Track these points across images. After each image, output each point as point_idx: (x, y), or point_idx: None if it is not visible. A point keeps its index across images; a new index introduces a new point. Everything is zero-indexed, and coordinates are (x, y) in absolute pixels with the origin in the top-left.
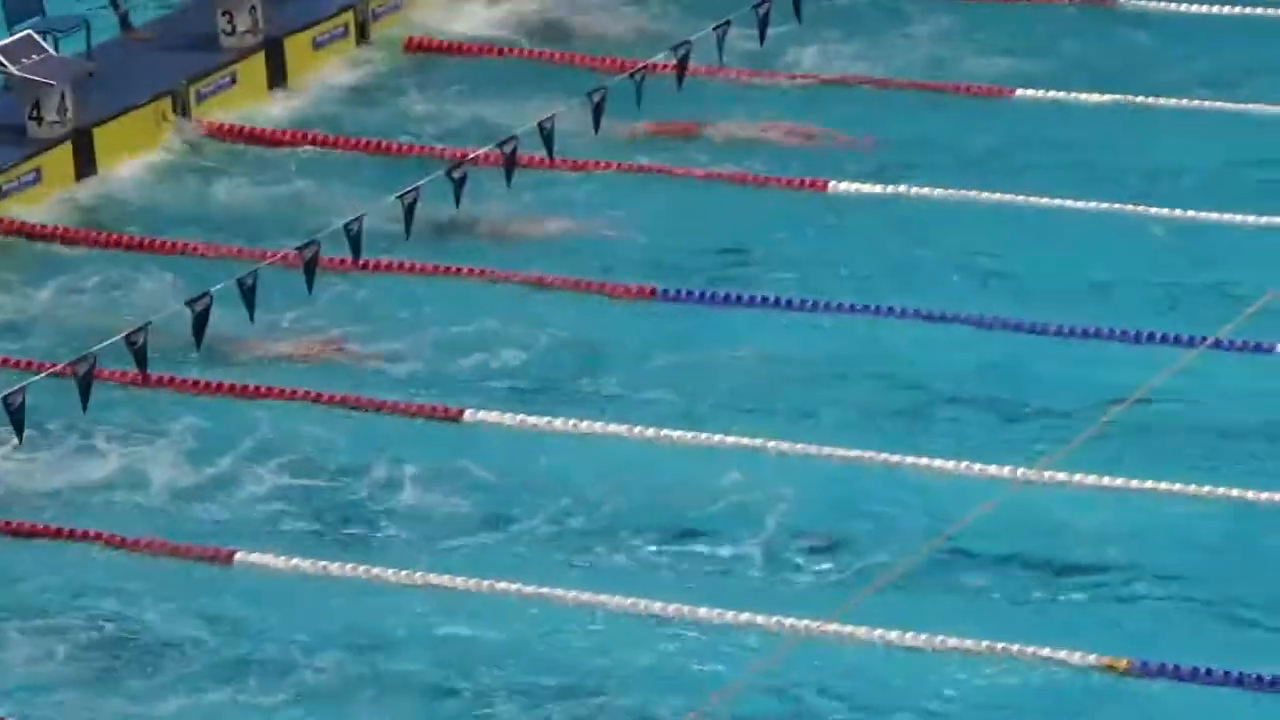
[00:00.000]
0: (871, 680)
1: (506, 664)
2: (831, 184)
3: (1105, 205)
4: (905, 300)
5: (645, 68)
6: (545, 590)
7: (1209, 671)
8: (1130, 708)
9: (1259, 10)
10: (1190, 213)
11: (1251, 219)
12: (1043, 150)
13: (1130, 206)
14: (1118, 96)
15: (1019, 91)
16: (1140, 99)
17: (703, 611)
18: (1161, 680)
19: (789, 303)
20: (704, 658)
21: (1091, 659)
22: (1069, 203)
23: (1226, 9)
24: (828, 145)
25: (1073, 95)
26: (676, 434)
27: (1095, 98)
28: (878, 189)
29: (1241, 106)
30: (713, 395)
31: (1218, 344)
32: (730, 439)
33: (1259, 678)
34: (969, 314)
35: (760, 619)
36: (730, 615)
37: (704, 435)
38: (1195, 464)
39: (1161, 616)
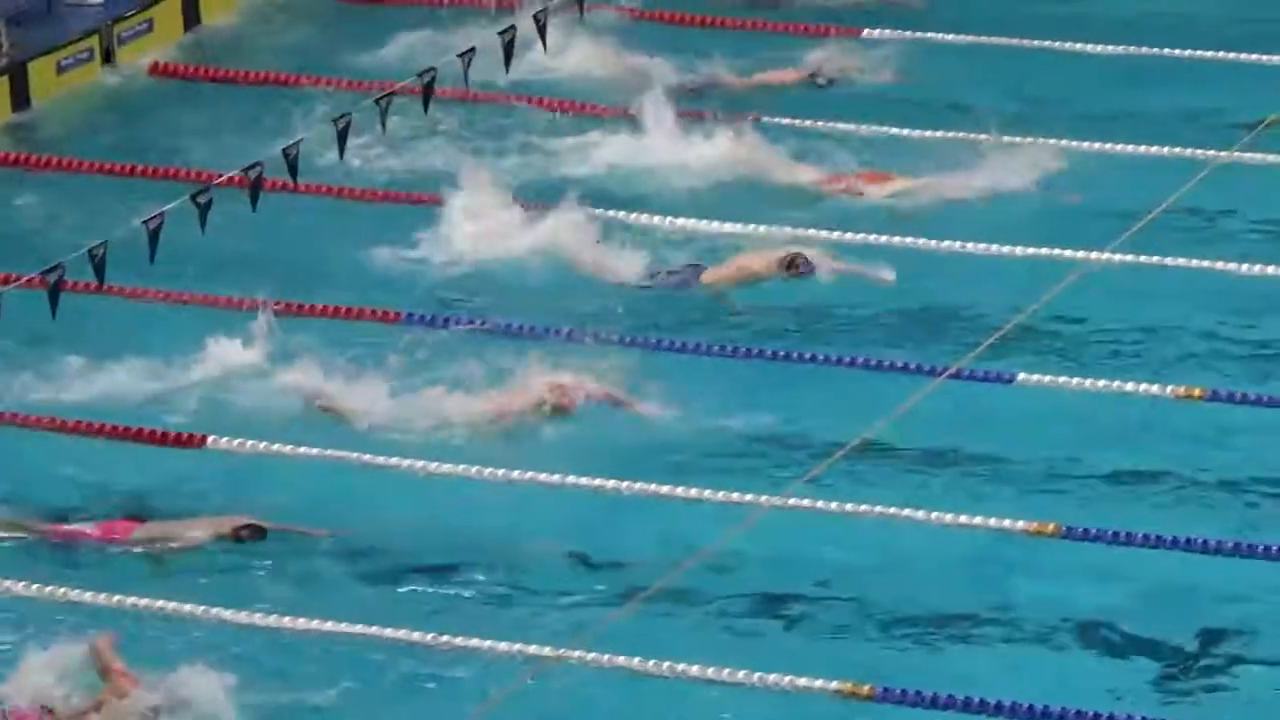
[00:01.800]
0: (614, 708)
1: None
2: None
3: None
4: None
5: (390, 93)
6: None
7: (950, 698)
8: None
9: None
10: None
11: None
12: None
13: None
14: None
15: None
16: None
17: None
18: (904, 707)
19: None
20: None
21: (834, 685)
22: None
23: None
24: None
25: None
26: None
27: None
28: None
29: None
30: None
31: (958, 374)
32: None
33: (998, 704)
34: None
35: (503, 645)
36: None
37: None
38: (940, 490)
39: (901, 642)
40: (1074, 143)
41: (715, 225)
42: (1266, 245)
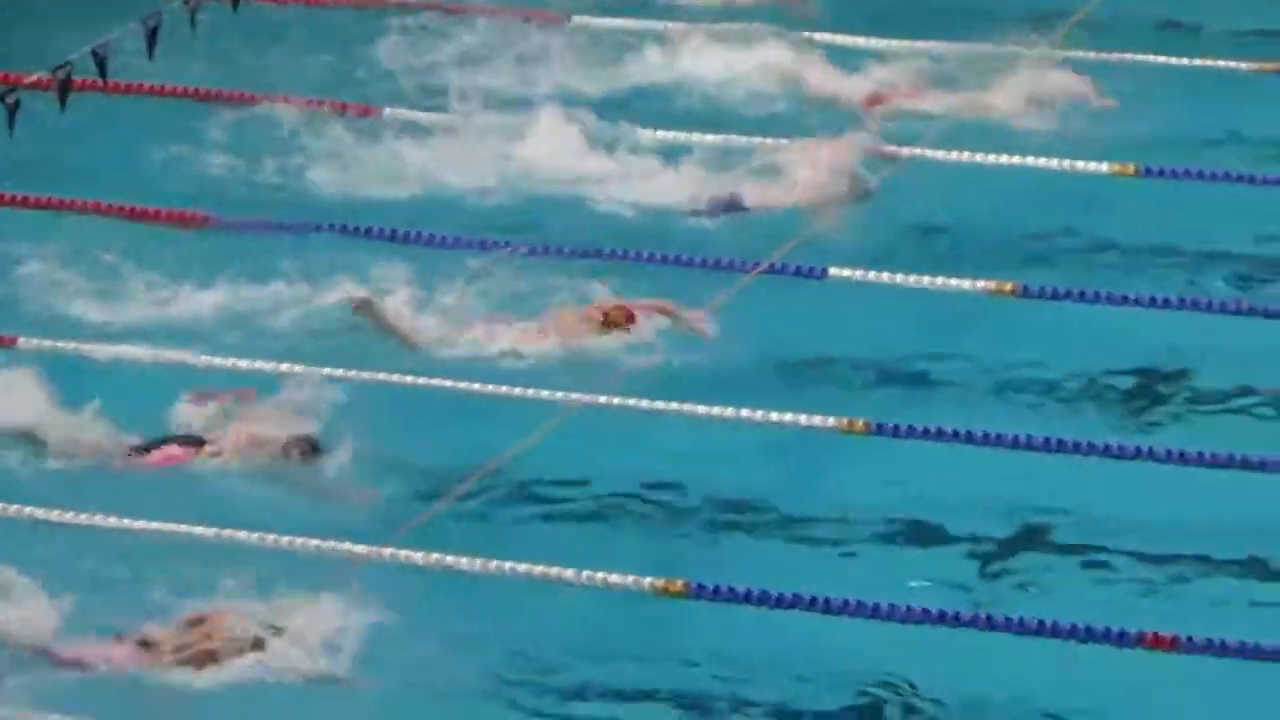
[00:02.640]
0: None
1: None
2: None
3: None
4: None
5: None
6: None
7: (764, 592)
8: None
9: None
10: None
11: None
12: None
13: None
14: None
15: None
16: None
17: None
18: (718, 602)
19: None
20: None
21: (646, 582)
22: None
23: None
24: None
25: None
26: None
27: None
28: None
29: None
30: None
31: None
32: None
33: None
34: None
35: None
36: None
37: None
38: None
39: (716, 537)
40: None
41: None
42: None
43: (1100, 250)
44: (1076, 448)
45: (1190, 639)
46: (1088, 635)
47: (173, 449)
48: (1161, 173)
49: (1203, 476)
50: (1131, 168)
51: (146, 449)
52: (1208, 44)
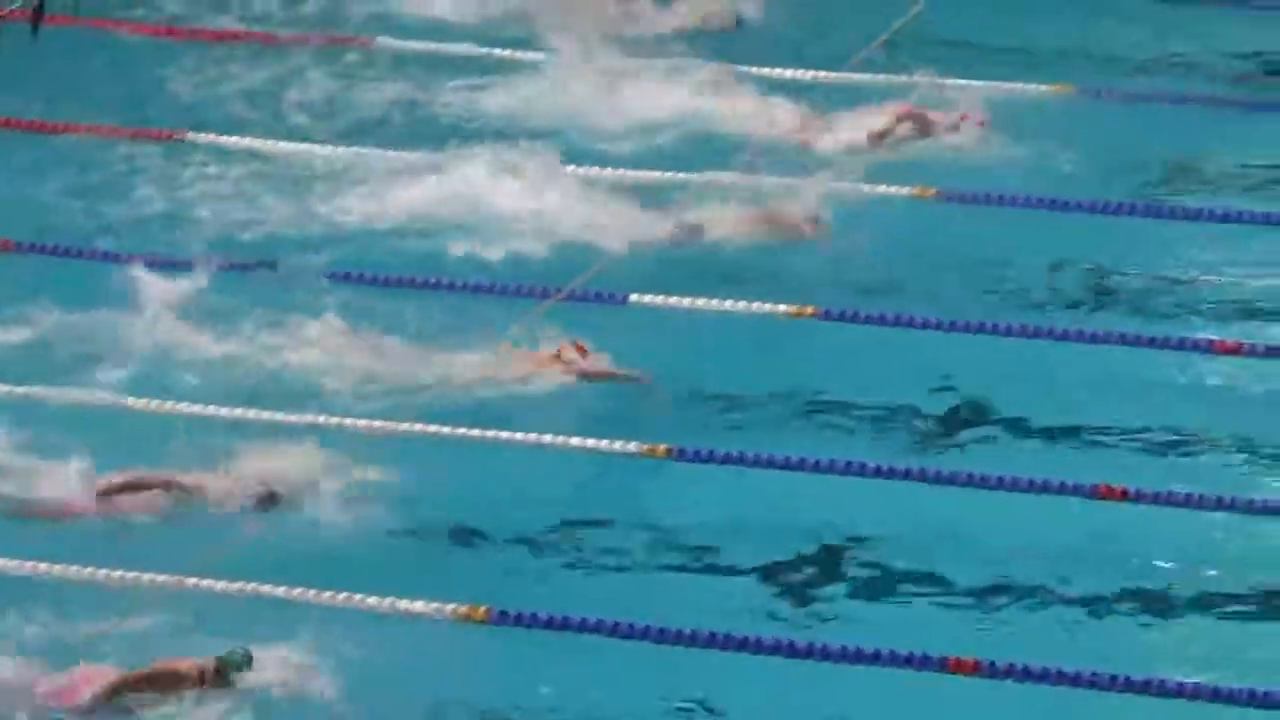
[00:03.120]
0: None
1: None
2: None
3: None
4: None
5: None
6: None
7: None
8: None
9: None
10: None
11: None
12: None
13: None
14: None
15: None
16: None
17: None
18: (520, 626)
19: None
20: None
21: (449, 608)
22: None
23: None
24: None
25: None
26: None
27: None
28: None
29: None
30: None
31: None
32: None
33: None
34: None
35: None
36: None
37: None
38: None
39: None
40: None
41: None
42: None
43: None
44: (879, 471)
45: (993, 663)
46: (891, 660)
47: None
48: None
49: (1005, 500)
50: (933, 190)
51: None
52: None
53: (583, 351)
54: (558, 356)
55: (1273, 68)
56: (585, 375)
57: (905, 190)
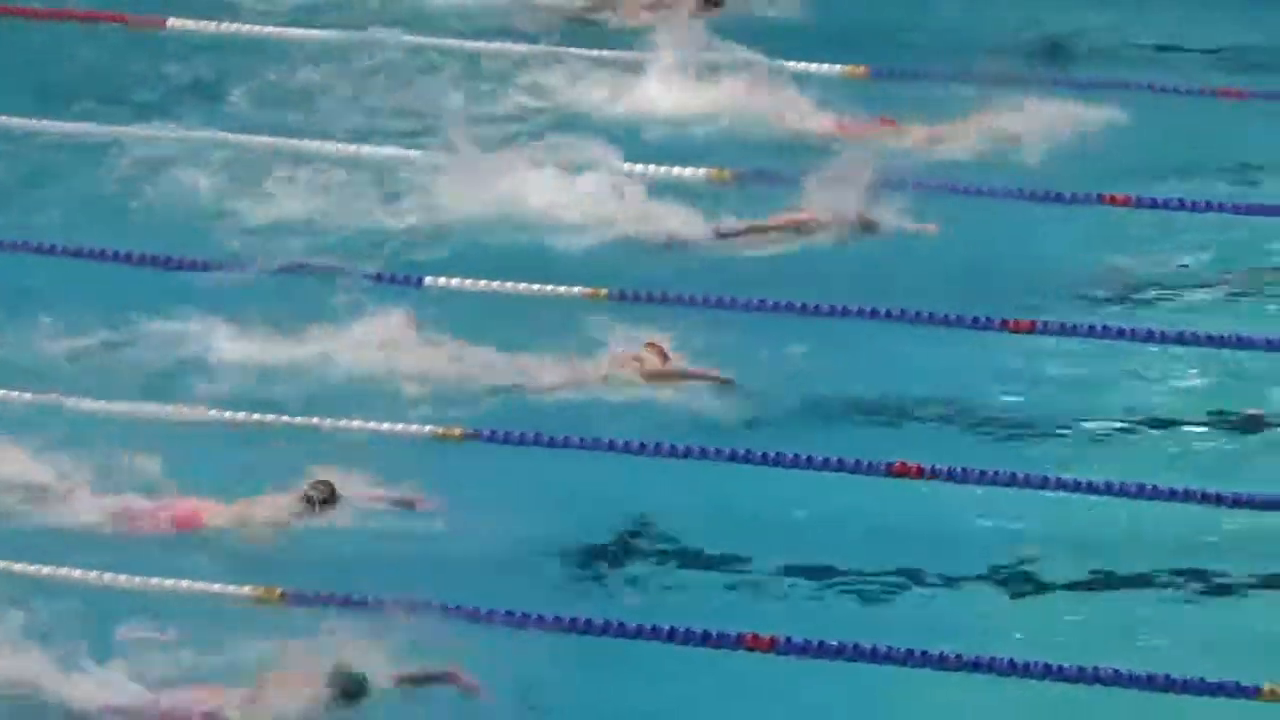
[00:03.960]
0: None
1: None
2: None
3: None
4: None
5: None
6: None
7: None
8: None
9: None
10: None
11: None
12: None
13: None
14: None
15: None
16: None
17: None
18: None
19: None
20: None
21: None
22: None
23: None
24: None
25: None
26: None
27: None
28: None
29: None
30: None
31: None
32: None
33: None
34: None
35: None
36: None
37: None
38: None
39: None
40: None
41: None
42: None
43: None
44: (674, 451)
45: (789, 640)
46: (687, 638)
47: None
48: None
49: (812, 480)
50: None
51: None
52: None
53: (662, 354)
54: (638, 359)
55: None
56: (663, 376)
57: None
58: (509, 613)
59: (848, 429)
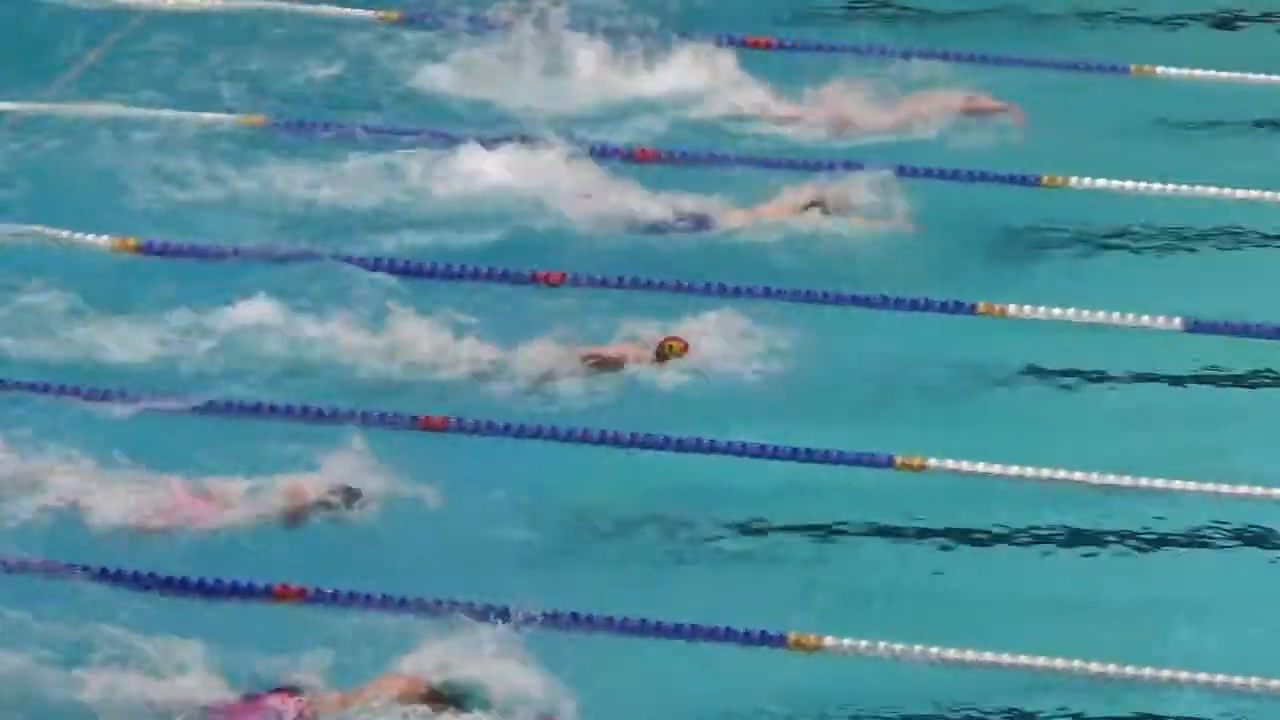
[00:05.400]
0: None
1: None
2: None
3: None
4: None
5: None
6: None
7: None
8: None
9: None
10: None
11: None
12: None
13: None
14: None
15: None
16: None
17: None
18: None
19: None
20: None
21: None
22: None
23: None
24: None
25: None
26: None
27: None
28: None
29: None
30: None
31: None
32: None
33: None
34: None
35: None
36: None
37: None
38: None
39: None
40: None
41: None
42: None
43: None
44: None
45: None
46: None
47: None
48: None
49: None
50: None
51: None
52: None
53: (684, 349)
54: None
55: None
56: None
57: None
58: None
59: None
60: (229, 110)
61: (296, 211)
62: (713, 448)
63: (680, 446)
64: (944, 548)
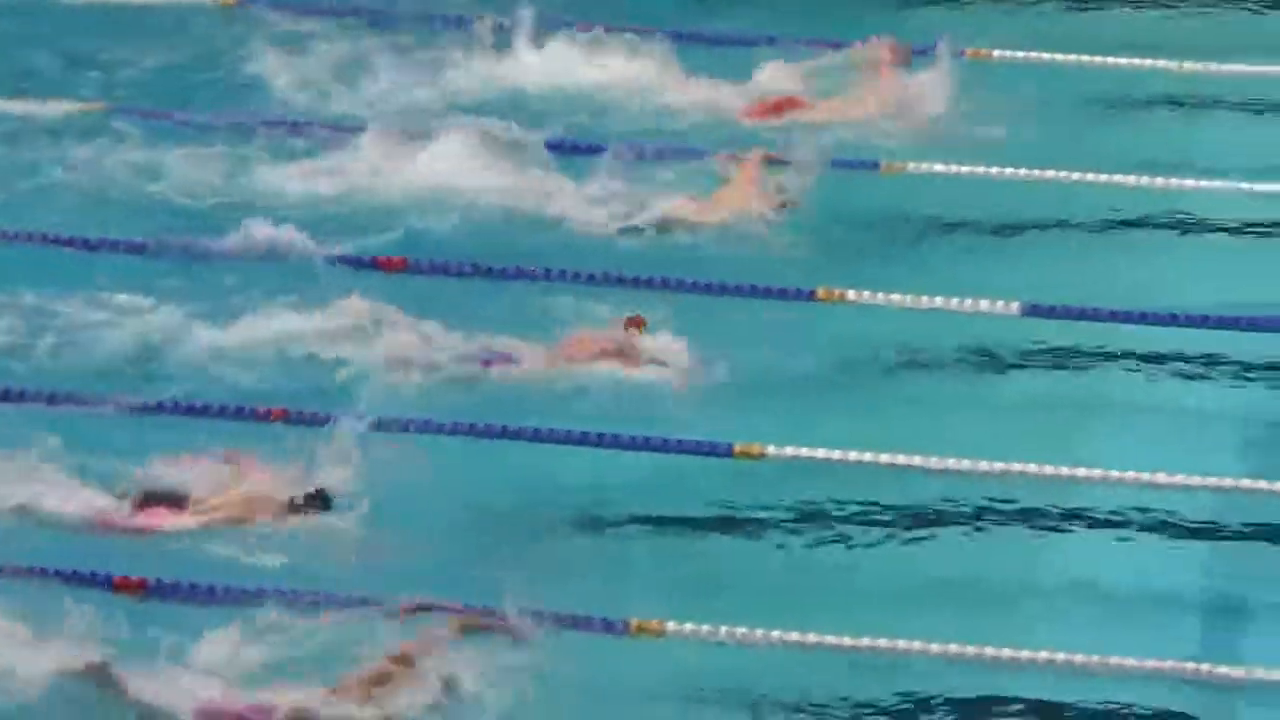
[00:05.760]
0: None
1: None
2: None
3: None
4: None
5: None
6: None
7: None
8: None
9: None
10: None
11: None
12: None
13: None
14: None
15: None
16: None
17: None
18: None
19: None
20: None
21: None
22: None
23: None
24: None
25: None
26: None
27: None
28: None
29: None
30: None
31: None
32: None
33: None
34: None
35: None
36: None
37: None
38: None
39: None
40: None
41: None
42: None
43: None
44: None
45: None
46: None
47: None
48: None
49: None
50: None
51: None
52: None
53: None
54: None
55: None
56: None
57: None
58: None
59: None
60: (73, 98)
61: (141, 201)
62: (551, 437)
63: (521, 436)
64: (788, 533)
